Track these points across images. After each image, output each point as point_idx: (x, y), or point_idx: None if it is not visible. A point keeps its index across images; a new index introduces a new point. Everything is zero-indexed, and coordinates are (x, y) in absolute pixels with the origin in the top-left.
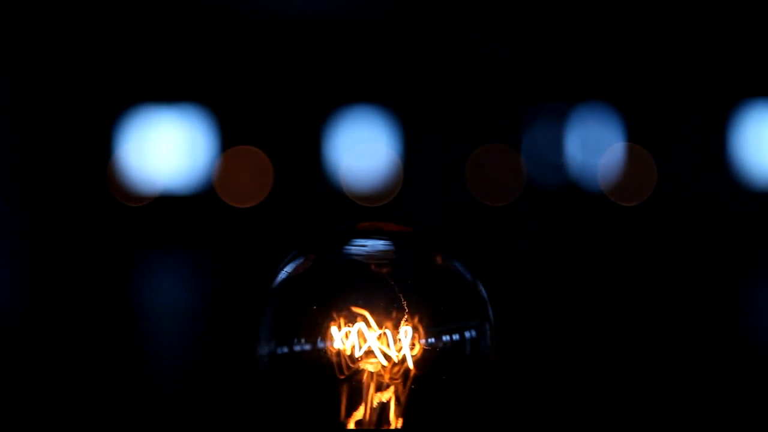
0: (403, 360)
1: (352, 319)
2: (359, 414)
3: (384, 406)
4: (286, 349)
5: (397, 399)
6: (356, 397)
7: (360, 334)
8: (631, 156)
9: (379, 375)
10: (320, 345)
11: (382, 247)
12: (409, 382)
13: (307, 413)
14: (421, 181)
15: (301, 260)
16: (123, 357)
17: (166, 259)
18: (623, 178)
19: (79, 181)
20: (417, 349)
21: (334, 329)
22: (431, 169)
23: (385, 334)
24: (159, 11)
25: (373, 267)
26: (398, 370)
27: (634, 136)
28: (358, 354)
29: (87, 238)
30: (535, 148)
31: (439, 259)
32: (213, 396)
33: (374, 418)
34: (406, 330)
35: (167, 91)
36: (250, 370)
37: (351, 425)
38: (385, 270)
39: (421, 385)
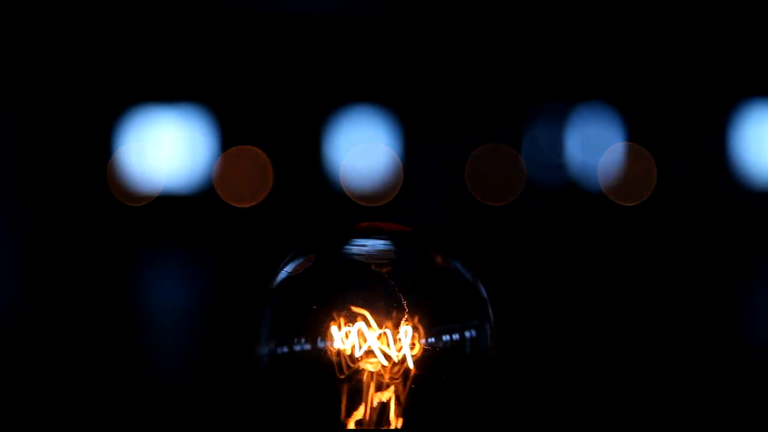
0: (403, 360)
1: (352, 318)
2: (359, 414)
3: (384, 406)
4: (286, 349)
5: (397, 399)
6: (356, 396)
7: (360, 333)
8: (631, 156)
9: (379, 375)
10: (320, 345)
11: (382, 247)
12: (409, 382)
13: (307, 413)
14: (421, 181)
15: (301, 260)
16: (123, 356)
17: (166, 259)
18: (623, 178)
19: (79, 180)
20: (417, 349)
21: (334, 329)
22: (431, 169)
23: (385, 333)
24: (159, 11)
25: (373, 267)
26: (398, 370)
27: (634, 136)
28: (358, 354)
29: (87, 237)
30: (535, 148)
31: (439, 259)
32: (213, 395)
33: (374, 417)
34: (406, 330)
35: (167, 91)
36: (250, 370)
37: (351, 425)
38: (385, 270)
39: (421, 385)
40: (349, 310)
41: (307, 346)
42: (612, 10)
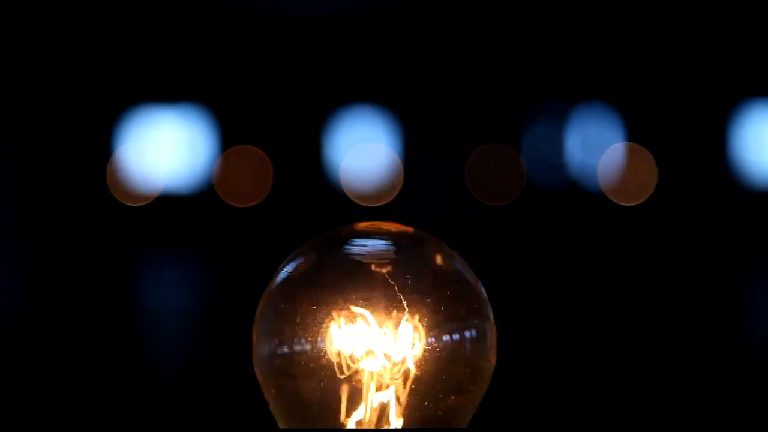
0: (403, 360)
1: (352, 318)
2: (359, 414)
3: (384, 406)
4: (286, 349)
5: (397, 399)
6: (356, 396)
7: (360, 333)
8: (631, 156)
9: (379, 375)
10: (320, 345)
11: (382, 247)
12: (409, 382)
13: (307, 413)
14: (421, 181)
15: (301, 260)
16: (123, 356)
17: (166, 259)
18: (623, 178)
19: (79, 180)
20: (417, 349)
21: (334, 329)
22: (431, 169)
23: (385, 333)
24: (159, 11)
25: (373, 267)
26: (398, 370)
27: (634, 136)
28: (358, 354)
29: (87, 237)
30: (535, 148)
31: (439, 259)
32: (214, 395)
33: (374, 418)
34: (406, 330)
35: (167, 91)
36: (249, 370)
37: (351, 425)
38: (385, 270)
39: (421, 385)
40: (349, 310)
41: (307, 346)
42: (612, 10)
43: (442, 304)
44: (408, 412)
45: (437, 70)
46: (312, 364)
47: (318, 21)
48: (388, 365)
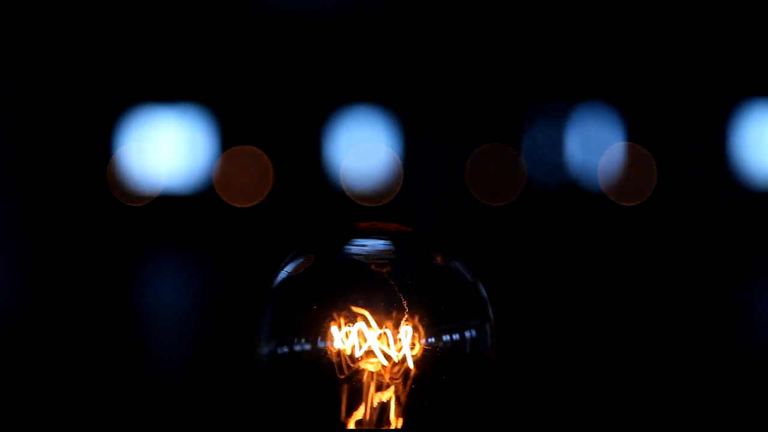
0: (403, 360)
1: (352, 318)
2: (359, 414)
3: (384, 406)
4: (286, 349)
5: (397, 399)
6: (356, 396)
7: (360, 333)
8: (631, 156)
9: (379, 375)
10: (320, 345)
11: (382, 247)
12: (409, 382)
13: (307, 413)
14: (421, 181)
15: (301, 260)
16: (123, 356)
17: (166, 259)
18: (623, 178)
19: (79, 180)
20: (417, 349)
21: (334, 329)
22: (431, 169)
23: (385, 333)
24: (159, 11)
25: (373, 267)
26: (398, 370)
27: (634, 136)
28: (358, 354)
29: (87, 237)
30: (535, 148)
31: (438, 259)
32: (213, 396)
33: (374, 417)
34: (406, 330)
35: (167, 91)
36: (250, 370)
37: (351, 425)
38: (385, 270)
39: (421, 385)
40: (349, 310)
41: (307, 346)
42: (612, 10)
43: (442, 304)
44: (408, 412)
45: (437, 70)
46: (312, 364)
47: (318, 21)
48: (388, 365)
